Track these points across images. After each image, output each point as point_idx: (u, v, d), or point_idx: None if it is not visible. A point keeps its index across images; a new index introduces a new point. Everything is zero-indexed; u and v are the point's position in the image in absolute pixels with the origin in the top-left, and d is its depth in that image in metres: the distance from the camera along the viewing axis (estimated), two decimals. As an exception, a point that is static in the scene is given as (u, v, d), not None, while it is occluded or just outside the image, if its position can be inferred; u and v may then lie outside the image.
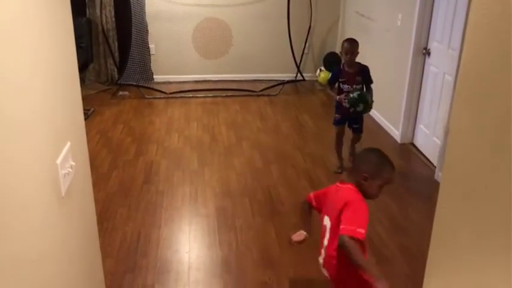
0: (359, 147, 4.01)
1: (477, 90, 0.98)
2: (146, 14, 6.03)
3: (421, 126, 4.44)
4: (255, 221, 3.32)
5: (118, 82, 5.93)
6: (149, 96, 5.83)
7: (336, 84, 3.91)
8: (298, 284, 2.72)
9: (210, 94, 5.95)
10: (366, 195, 2.09)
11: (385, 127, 4.96)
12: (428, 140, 4.28)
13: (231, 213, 3.41)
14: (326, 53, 6.56)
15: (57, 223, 1.32)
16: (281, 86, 6.10)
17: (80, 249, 1.58)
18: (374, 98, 3.82)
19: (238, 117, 5.29)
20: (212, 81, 6.41)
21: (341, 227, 1.95)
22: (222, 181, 3.85)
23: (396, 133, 4.71)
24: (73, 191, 1.46)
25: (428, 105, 4.31)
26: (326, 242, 2.14)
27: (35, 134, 1.15)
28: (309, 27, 6.29)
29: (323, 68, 6.51)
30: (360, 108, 3.69)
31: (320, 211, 2.25)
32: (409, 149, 4.54)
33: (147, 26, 6.10)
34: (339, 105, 3.89)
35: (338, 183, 2.18)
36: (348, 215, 1.96)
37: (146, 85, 5.98)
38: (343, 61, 3.90)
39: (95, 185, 1.85)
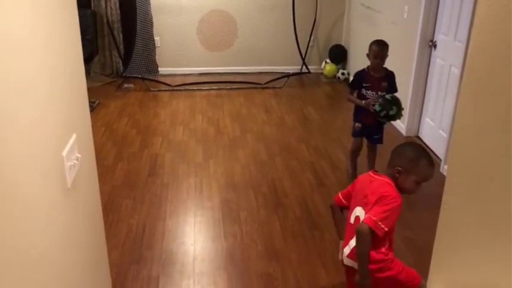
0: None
1: (484, 83, 0.97)
2: (151, 6, 6.01)
3: (427, 119, 4.42)
4: (259, 213, 3.33)
5: (123, 74, 5.94)
6: (154, 88, 5.83)
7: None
8: (303, 275, 2.73)
9: (215, 86, 5.95)
10: (401, 190, 2.04)
11: (390, 120, 4.94)
12: (434, 133, 4.26)
13: (235, 205, 3.41)
14: (331, 45, 6.53)
15: (63, 215, 1.32)
16: (286, 78, 6.08)
17: (86, 240, 1.59)
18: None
19: (242, 110, 5.28)
20: (217, 73, 6.40)
21: (366, 215, 1.94)
22: (226, 173, 3.86)
23: (401, 126, 4.70)
24: (79, 183, 1.47)
25: (434, 98, 4.29)
26: None
27: (41, 125, 1.16)
28: (315, 19, 6.26)
29: (328, 61, 6.49)
30: (393, 111, 3.31)
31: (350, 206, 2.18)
32: (415, 142, 4.52)
33: (152, 18, 6.08)
34: (360, 112, 3.55)
35: (371, 173, 2.12)
36: (378, 209, 1.93)
37: (151, 77, 5.98)
38: (369, 64, 3.52)
39: (100, 177, 1.86)
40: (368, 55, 3.49)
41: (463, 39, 3.69)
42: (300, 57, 6.20)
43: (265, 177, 3.81)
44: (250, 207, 3.39)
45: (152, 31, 6.13)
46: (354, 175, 3.60)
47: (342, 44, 6.51)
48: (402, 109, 3.40)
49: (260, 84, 6.00)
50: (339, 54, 6.42)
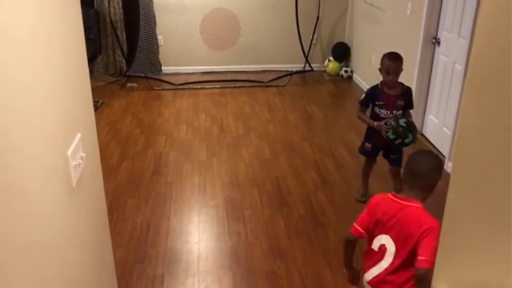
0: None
1: (488, 79, 0.97)
2: (154, 5, 6.02)
3: (431, 116, 4.41)
4: (263, 211, 3.33)
5: (127, 74, 5.95)
6: (157, 87, 5.84)
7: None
8: (307, 273, 2.73)
9: (218, 85, 5.95)
10: None
11: (394, 117, 4.93)
12: (438, 130, 4.25)
13: (239, 203, 3.42)
14: (334, 43, 6.51)
15: (68, 214, 1.33)
16: (289, 76, 6.08)
17: (91, 239, 1.60)
18: None
19: (246, 108, 5.28)
20: (220, 72, 6.40)
21: (421, 258, 1.75)
22: (230, 172, 3.86)
23: (405, 123, 4.68)
24: (84, 182, 1.47)
25: (437, 95, 4.28)
26: (385, 264, 1.91)
27: (46, 125, 1.16)
28: (318, 17, 6.25)
29: (331, 58, 6.48)
30: (409, 139, 2.92)
31: (370, 231, 1.99)
32: (418, 139, 4.51)
33: (155, 17, 6.09)
34: (371, 132, 3.21)
35: (394, 198, 1.92)
36: (429, 246, 1.75)
37: (154, 76, 5.99)
38: (381, 80, 3.16)
39: (105, 176, 1.86)
40: (380, 69, 3.12)
41: (467, 36, 3.68)
42: (303, 55, 6.20)
43: (269, 176, 3.81)
44: (254, 206, 3.40)
45: (155, 30, 6.14)
46: (365, 194, 3.40)
47: (345, 41, 6.50)
48: (418, 133, 3.01)
49: (263, 82, 6.00)
50: (342, 52, 6.41)
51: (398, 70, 3.06)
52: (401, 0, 4.72)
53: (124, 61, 6.18)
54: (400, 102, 3.12)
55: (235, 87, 5.94)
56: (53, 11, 1.26)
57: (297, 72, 6.24)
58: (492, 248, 1.03)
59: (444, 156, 3.98)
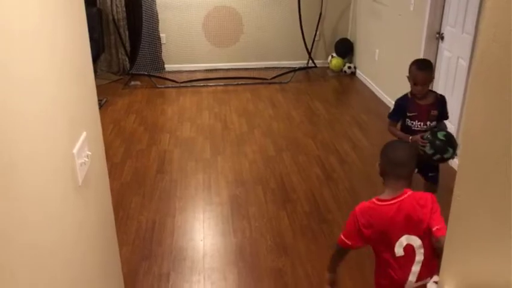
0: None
1: (494, 74, 0.96)
2: (157, 3, 6.02)
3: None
4: (268, 208, 3.33)
5: (130, 72, 5.96)
6: (160, 85, 5.84)
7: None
8: (312, 270, 2.73)
9: (221, 82, 5.95)
10: None
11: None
12: (442, 125, 4.23)
13: (244, 201, 3.42)
14: (337, 39, 6.50)
15: (75, 212, 1.34)
16: (292, 73, 6.07)
17: (97, 237, 1.60)
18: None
19: (249, 105, 5.28)
20: (223, 69, 6.40)
21: (438, 227, 1.77)
22: (234, 169, 3.87)
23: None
24: (90, 180, 1.48)
25: (441, 91, 4.25)
26: (420, 257, 1.89)
27: (52, 124, 1.17)
28: (320, 13, 6.23)
29: (334, 55, 6.46)
30: (448, 154, 2.65)
31: (368, 242, 1.95)
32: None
33: (157, 15, 6.09)
34: None
35: (387, 202, 1.89)
36: (439, 214, 1.81)
37: (157, 74, 5.99)
38: (410, 90, 2.89)
39: (110, 174, 1.87)
40: (408, 77, 2.87)
41: (471, 31, 3.67)
42: (306, 51, 6.19)
43: (273, 173, 3.81)
44: (259, 203, 3.40)
45: (158, 28, 6.14)
46: None
47: (349, 37, 6.48)
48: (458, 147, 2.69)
49: (266, 79, 5.99)
50: (345, 48, 6.39)
51: (427, 80, 2.80)
52: (404, -5, 4.70)
53: (127, 59, 6.18)
54: (434, 112, 2.85)
55: (238, 84, 5.93)
56: (57, 10, 1.26)
57: (300, 68, 6.23)
58: (499, 245, 1.03)
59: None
